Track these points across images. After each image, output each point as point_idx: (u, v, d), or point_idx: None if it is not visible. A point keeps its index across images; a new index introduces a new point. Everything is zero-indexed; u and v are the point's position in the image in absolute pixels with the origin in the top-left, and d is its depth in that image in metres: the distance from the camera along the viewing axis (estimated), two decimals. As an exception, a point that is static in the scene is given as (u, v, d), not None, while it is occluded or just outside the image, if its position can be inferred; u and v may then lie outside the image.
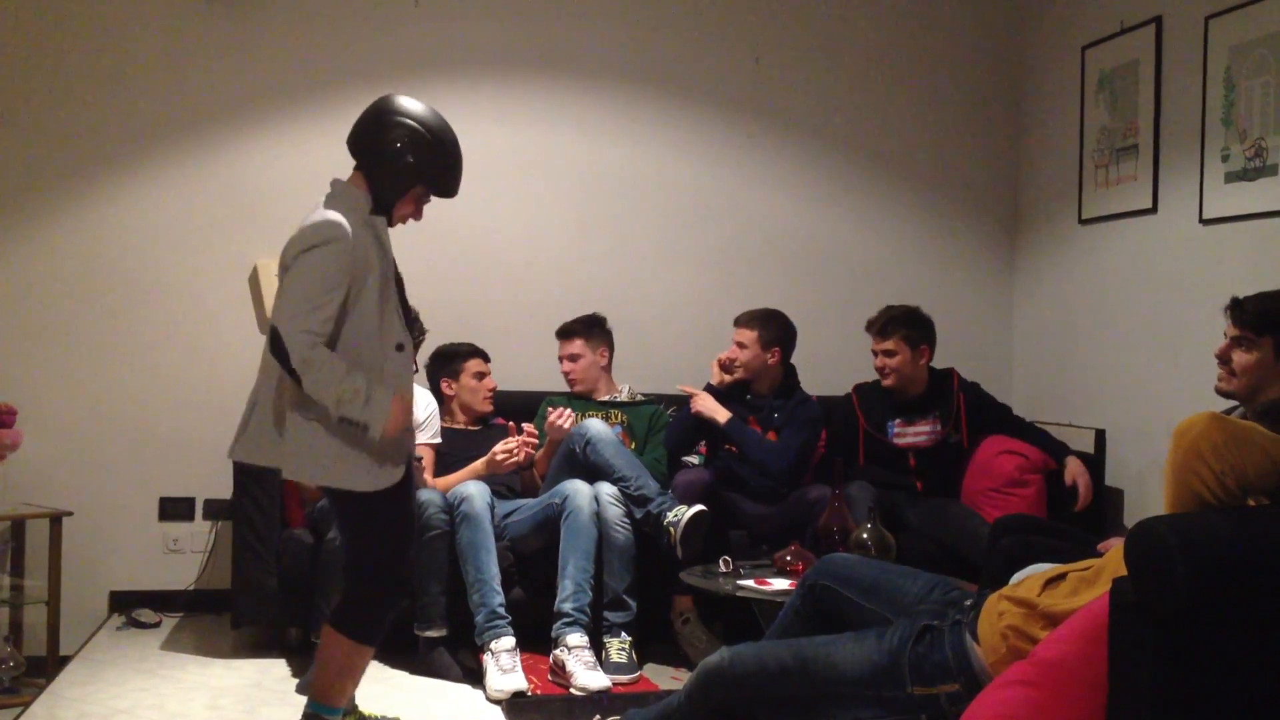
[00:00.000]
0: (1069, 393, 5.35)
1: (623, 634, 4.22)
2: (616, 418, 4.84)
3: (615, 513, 4.28)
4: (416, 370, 4.52)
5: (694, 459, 4.89)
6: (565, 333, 4.91)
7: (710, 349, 4.88)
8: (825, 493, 4.13)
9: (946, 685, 2.54)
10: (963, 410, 4.75)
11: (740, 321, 4.78)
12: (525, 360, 5.11)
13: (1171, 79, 4.75)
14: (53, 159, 4.89)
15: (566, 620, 4.12)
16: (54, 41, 4.88)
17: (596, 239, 5.40)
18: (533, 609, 4.29)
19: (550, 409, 4.69)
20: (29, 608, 4.61)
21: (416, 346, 4.51)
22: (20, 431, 4.54)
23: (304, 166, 4.88)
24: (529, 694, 3.93)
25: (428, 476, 4.45)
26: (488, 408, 4.79)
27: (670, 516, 4.14)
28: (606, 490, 4.32)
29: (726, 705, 2.81)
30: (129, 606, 4.86)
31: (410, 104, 3.19)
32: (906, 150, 5.72)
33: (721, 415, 4.64)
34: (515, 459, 4.45)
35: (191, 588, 4.96)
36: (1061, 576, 2.55)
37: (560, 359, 4.92)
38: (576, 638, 4.08)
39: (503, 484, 4.58)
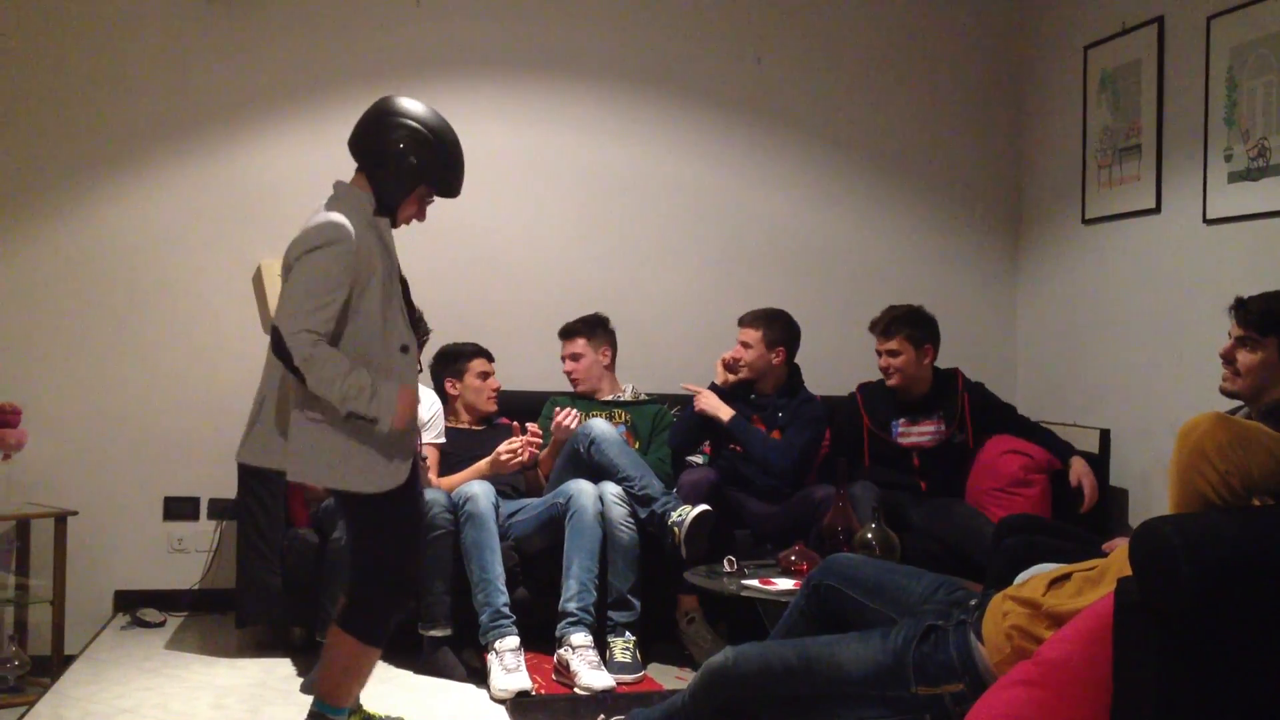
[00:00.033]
0: (1073, 393, 5.35)
1: (627, 633, 4.22)
2: (620, 417, 4.85)
3: (619, 512, 4.28)
4: (421, 370, 4.53)
5: (698, 458, 4.90)
6: (567, 332, 4.92)
7: (713, 348, 4.89)
8: (830, 492, 4.14)
9: (951, 685, 2.55)
10: (967, 410, 4.75)
11: (745, 321, 4.79)
12: (529, 360, 5.12)
13: (1174, 79, 4.75)
14: (55, 159, 4.89)
15: (571, 620, 4.12)
16: (55, 42, 4.88)
17: (599, 239, 5.41)
18: (537, 608, 4.29)
19: (556, 409, 4.70)
20: (34, 607, 4.61)
21: (421, 346, 4.53)
22: (25, 431, 4.55)
23: (306, 166, 4.90)
24: (533, 694, 3.93)
25: (432, 476, 4.46)
26: (492, 407, 4.80)
27: (674, 516, 4.14)
28: (611, 490, 4.32)
29: (731, 705, 2.82)
30: (134, 606, 4.86)
31: (411, 105, 3.20)
32: (909, 150, 5.72)
33: (725, 413, 4.65)
34: (519, 459, 4.46)
35: (196, 587, 4.96)
36: (1066, 576, 2.56)
37: (563, 359, 4.92)
38: (581, 637, 4.08)
39: (507, 484, 4.58)
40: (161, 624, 4.79)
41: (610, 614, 4.25)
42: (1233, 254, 4.43)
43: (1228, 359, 3.38)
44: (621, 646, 4.18)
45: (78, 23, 4.90)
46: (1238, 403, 3.43)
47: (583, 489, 4.29)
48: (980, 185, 5.80)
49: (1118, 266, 5.08)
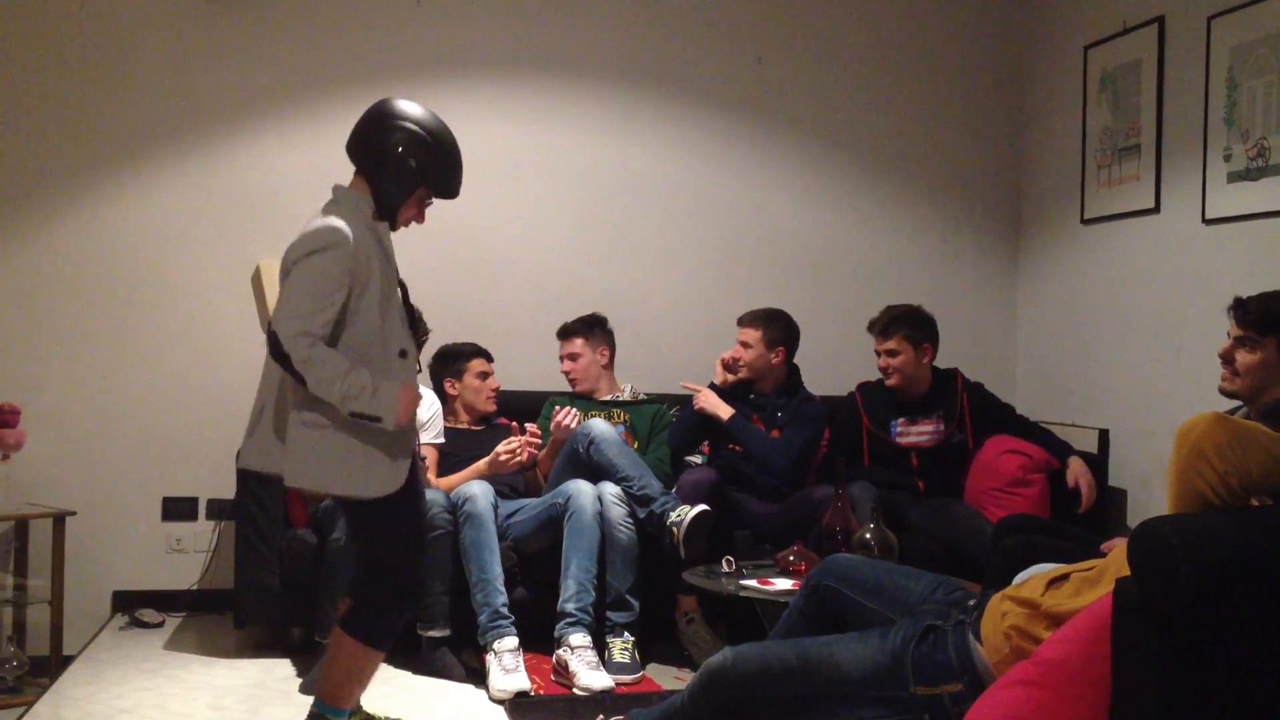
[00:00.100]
0: (1072, 393, 5.35)
1: (625, 634, 4.22)
2: (619, 417, 4.85)
3: (618, 512, 4.28)
4: (420, 370, 4.52)
5: (697, 458, 4.90)
6: (565, 332, 4.92)
7: (713, 348, 4.89)
8: (830, 492, 4.14)
9: (949, 685, 2.54)
10: (966, 410, 4.75)
11: (744, 321, 4.79)
12: (528, 360, 5.12)
13: (1174, 79, 4.75)
14: (56, 159, 4.89)
15: (569, 620, 4.12)
16: (56, 42, 4.88)
17: (599, 238, 5.40)
18: (536, 609, 4.29)
19: (555, 408, 4.70)
20: (32, 607, 4.61)
21: (420, 346, 4.53)
22: (24, 431, 4.55)
23: (307, 166, 4.90)
24: (532, 694, 3.93)
25: (431, 476, 4.45)
26: (491, 408, 4.80)
27: (673, 516, 4.14)
28: (610, 490, 4.32)
29: (730, 705, 2.81)
30: (132, 606, 4.86)
31: (408, 107, 3.19)
32: (908, 150, 5.72)
33: (724, 412, 4.65)
34: (518, 459, 4.46)
35: (194, 587, 4.96)
36: (1065, 577, 2.55)
37: (561, 359, 4.92)
38: (579, 638, 4.08)
39: (506, 484, 4.58)
40: (160, 624, 4.79)
41: (609, 614, 4.25)
42: (1232, 254, 4.42)
43: (1226, 359, 3.38)
44: (620, 647, 4.18)
45: (78, 22, 4.90)
46: (1236, 403, 3.43)
47: (581, 489, 4.29)
48: (980, 185, 5.79)
49: (1117, 266, 5.08)
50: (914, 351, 4.68)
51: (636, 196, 5.43)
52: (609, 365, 4.95)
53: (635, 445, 4.76)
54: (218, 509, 4.96)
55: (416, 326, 4.46)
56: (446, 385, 4.78)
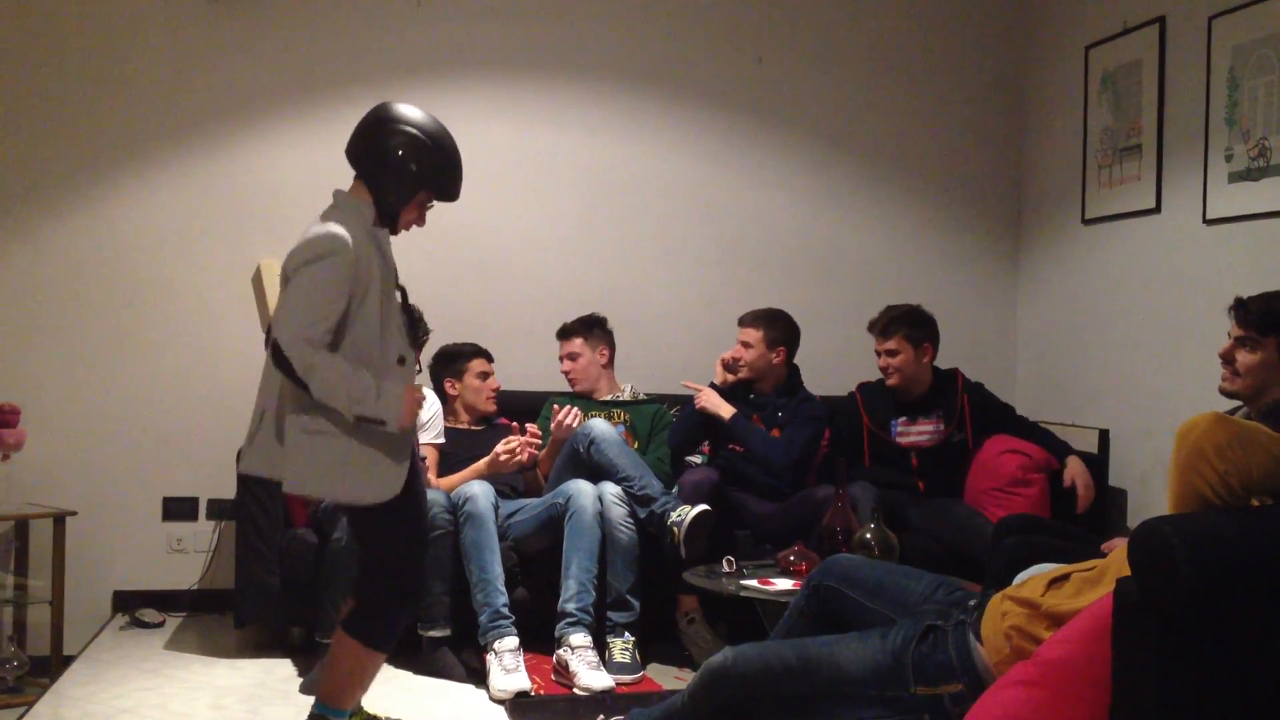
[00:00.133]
0: (1073, 393, 5.35)
1: (626, 634, 4.22)
2: (619, 417, 4.85)
3: (619, 512, 4.28)
4: (421, 370, 4.53)
5: (697, 458, 4.90)
6: (564, 333, 4.93)
7: (713, 348, 4.89)
8: (832, 492, 4.13)
9: (950, 685, 2.54)
10: (967, 410, 4.75)
11: (745, 321, 4.79)
12: (528, 360, 5.12)
13: (1175, 79, 4.75)
14: (56, 159, 4.89)
15: (570, 620, 4.12)
16: (57, 41, 4.88)
17: (599, 239, 5.40)
18: (536, 609, 4.29)
19: (556, 406, 4.70)
20: (33, 607, 4.61)
21: (421, 346, 4.53)
22: (24, 431, 4.55)
23: (308, 166, 4.90)
24: (532, 694, 3.93)
25: (431, 476, 4.45)
26: (491, 408, 4.80)
27: (674, 516, 4.14)
28: (610, 490, 4.32)
29: (730, 705, 2.81)
30: (133, 606, 4.86)
31: (408, 110, 3.19)
32: (909, 150, 5.72)
33: (726, 411, 4.65)
34: (518, 458, 4.45)
35: (195, 587, 4.96)
36: (1065, 577, 2.55)
37: (560, 359, 4.92)
38: (580, 638, 4.08)
39: (506, 484, 4.58)
40: (160, 624, 4.79)
41: (609, 614, 4.25)
42: (1232, 254, 4.42)
43: (1227, 359, 3.38)
44: (621, 647, 4.18)
45: (79, 23, 4.90)
46: (1237, 403, 3.43)
47: (582, 489, 4.29)
48: (981, 185, 5.79)
49: (1118, 266, 5.08)
50: (914, 351, 4.68)
51: (636, 196, 5.43)
52: (609, 365, 4.95)
53: (635, 445, 4.76)
54: (218, 509, 4.96)
55: (417, 327, 4.46)
56: (447, 385, 4.78)
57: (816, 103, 5.61)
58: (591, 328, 4.90)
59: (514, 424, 4.60)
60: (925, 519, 4.50)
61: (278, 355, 2.98)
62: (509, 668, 3.97)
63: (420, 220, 3.28)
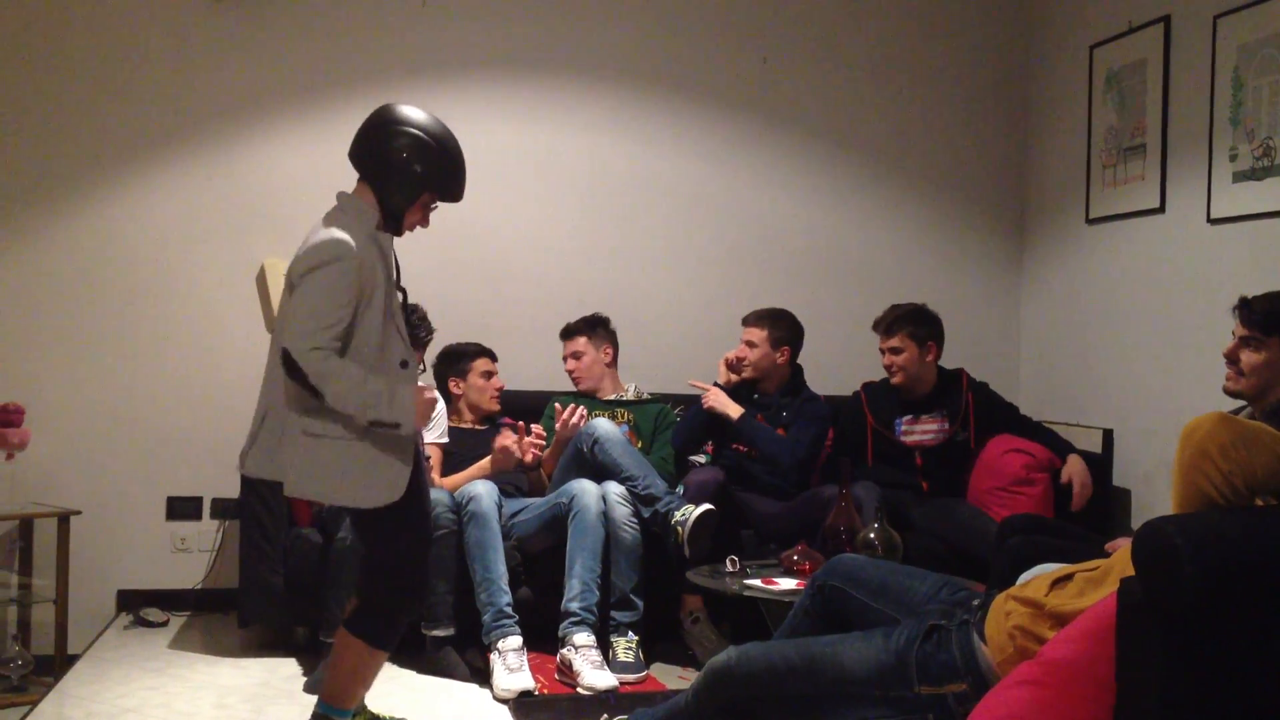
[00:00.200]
0: (1077, 392, 5.34)
1: (630, 633, 4.22)
2: (623, 416, 4.85)
3: (623, 512, 4.28)
4: (424, 370, 4.53)
5: (700, 458, 4.90)
6: (568, 332, 4.93)
7: (717, 348, 4.89)
8: (837, 492, 4.13)
9: (954, 685, 2.54)
10: (971, 410, 4.75)
11: (749, 321, 4.80)
12: (532, 360, 5.12)
13: (1179, 78, 4.74)
14: (60, 159, 4.90)
15: (573, 619, 4.12)
16: (60, 42, 4.89)
17: (604, 239, 5.40)
18: (540, 608, 4.29)
19: (558, 406, 4.70)
20: (37, 606, 4.62)
21: (425, 345, 4.53)
22: (28, 431, 4.56)
23: (312, 167, 4.91)
24: (536, 693, 3.93)
25: (435, 476, 4.45)
26: (495, 407, 4.80)
27: (678, 515, 4.14)
28: (614, 489, 4.32)
29: (734, 704, 2.81)
30: (137, 605, 4.87)
31: (411, 112, 3.19)
32: (913, 150, 5.72)
33: (734, 411, 4.65)
34: (516, 456, 4.45)
35: (199, 587, 4.97)
36: (1069, 576, 2.55)
37: (564, 358, 4.93)
38: (583, 637, 4.08)
39: (510, 483, 4.58)
40: (164, 623, 4.79)
41: (613, 614, 4.25)
42: (1237, 254, 4.42)
43: (1231, 359, 3.38)
44: (624, 646, 4.18)
45: (84, 22, 4.91)
46: (1241, 402, 3.43)
47: (586, 489, 4.29)
48: (985, 184, 5.79)
49: (1122, 266, 5.08)
50: (918, 350, 4.68)
51: (640, 196, 5.43)
52: (612, 365, 4.95)
53: (639, 445, 4.76)
54: (222, 508, 4.97)
55: (421, 327, 4.46)
56: (451, 385, 4.78)
57: (821, 102, 5.61)
58: (595, 327, 4.91)
59: (520, 424, 4.61)
60: (929, 519, 4.50)
61: (289, 364, 2.97)
62: (513, 667, 3.97)
63: (424, 221, 3.28)
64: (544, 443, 4.60)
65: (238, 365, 4.82)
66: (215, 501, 4.99)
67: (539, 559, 4.38)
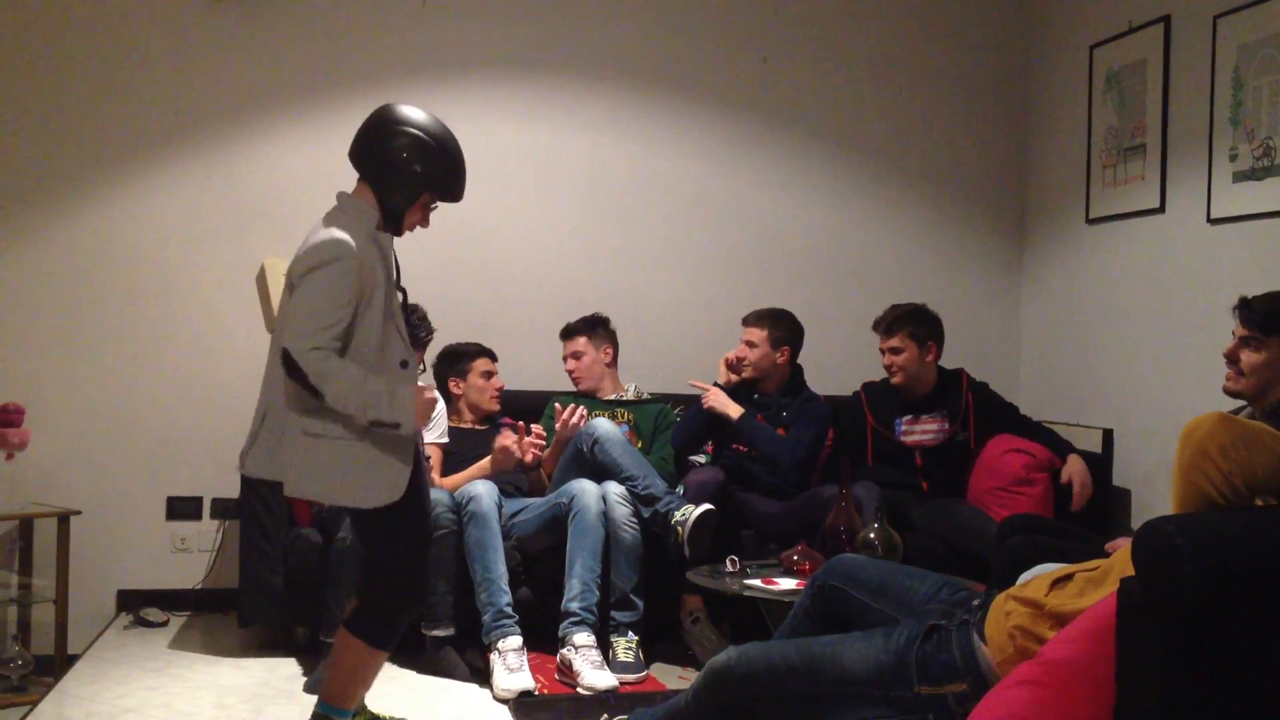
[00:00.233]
0: (1076, 392, 5.34)
1: (630, 633, 4.22)
2: (623, 416, 4.85)
3: (623, 512, 4.28)
4: (424, 370, 4.53)
5: (700, 458, 4.90)
6: (568, 332, 4.94)
7: (717, 348, 4.89)
8: (837, 492, 4.13)
9: (954, 685, 2.54)
10: (971, 410, 4.75)
11: (749, 321, 4.80)
12: (532, 360, 5.12)
13: (1179, 78, 4.74)
14: (60, 158, 4.90)
15: (573, 619, 4.12)
16: (61, 41, 4.89)
17: (604, 238, 5.40)
18: (540, 608, 4.29)
19: (558, 406, 4.70)
20: (37, 606, 4.61)
21: (425, 345, 4.53)
22: (28, 431, 4.56)
23: (312, 166, 4.91)
24: (536, 693, 3.93)
25: (435, 476, 4.45)
26: (495, 407, 4.80)
27: (678, 515, 4.14)
28: (614, 489, 4.32)
29: (734, 704, 2.81)
30: (137, 605, 4.87)
31: (411, 112, 3.19)
32: (913, 150, 5.72)
33: (734, 411, 4.65)
34: (517, 456, 4.45)
35: (199, 587, 4.97)
36: (1069, 576, 2.55)
37: (564, 358, 4.93)
38: (583, 637, 4.08)
39: (510, 483, 4.58)
40: (165, 623, 4.79)
41: (613, 614, 4.25)
42: (1237, 254, 4.42)
43: (1231, 359, 3.38)
44: (624, 646, 4.18)
45: (84, 22, 4.91)
46: (1241, 402, 3.43)
47: (586, 489, 4.29)
48: (984, 184, 5.79)
49: (1121, 266, 5.08)
50: (918, 349, 4.68)
51: (640, 196, 5.43)
52: (612, 364, 4.95)
53: (639, 445, 4.76)
54: (222, 508, 4.97)
55: (421, 327, 4.47)
56: (451, 385, 4.78)
57: (821, 102, 5.61)
58: (595, 327, 4.91)
59: (520, 424, 4.61)
60: (929, 519, 4.50)
61: (289, 364, 2.97)
62: (513, 667, 3.97)
63: (424, 221, 3.28)
64: (544, 443, 4.60)
65: (238, 365, 4.82)
66: (215, 501, 4.99)
67: (539, 559, 4.38)
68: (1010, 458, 4.60)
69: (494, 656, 4.03)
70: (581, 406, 4.66)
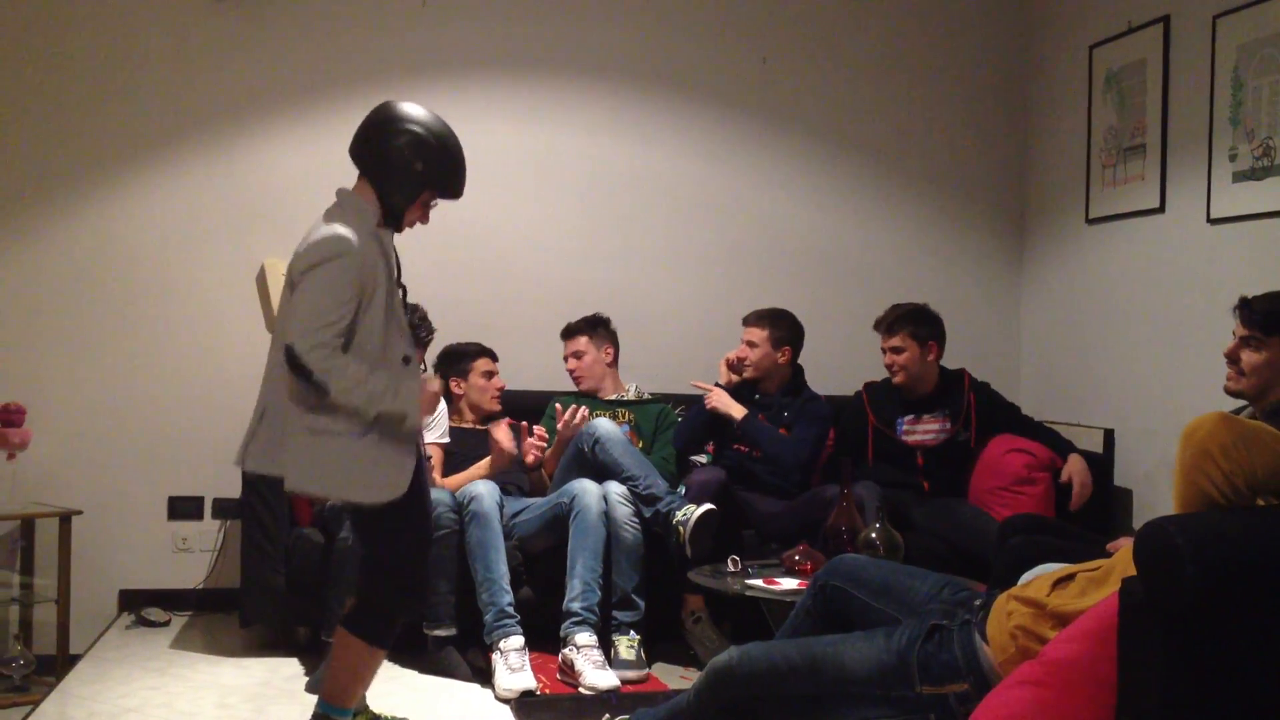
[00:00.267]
0: (1077, 392, 5.35)
1: (631, 633, 4.22)
2: (624, 416, 4.85)
3: (624, 512, 4.28)
4: (425, 369, 4.53)
5: (701, 458, 4.90)
6: (569, 332, 4.94)
7: (717, 348, 4.89)
8: (838, 492, 4.13)
9: (955, 685, 2.55)
10: (973, 410, 4.75)
11: (750, 321, 4.80)
12: (533, 359, 5.12)
13: (1179, 78, 4.74)
14: (61, 158, 4.90)
15: (575, 619, 4.12)
16: (61, 41, 4.89)
17: (604, 238, 5.41)
18: (541, 608, 4.30)
19: (559, 406, 4.70)
20: (39, 606, 4.62)
21: (425, 345, 4.53)
22: (30, 431, 4.56)
23: (312, 166, 4.90)
24: (538, 693, 3.94)
25: (436, 476, 4.46)
26: (496, 407, 4.80)
27: (679, 515, 4.14)
28: (615, 489, 4.32)
29: (735, 704, 2.82)
30: (138, 605, 4.87)
31: (412, 109, 3.19)
32: (914, 150, 5.72)
33: (737, 411, 4.66)
34: (510, 449, 4.45)
35: (200, 587, 4.97)
36: (1070, 576, 2.56)
37: (565, 358, 4.93)
38: (585, 637, 4.09)
39: (511, 483, 4.58)
40: (166, 623, 4.80)
41: (615, 613, 4.25)
42: (1237, 254, 4.42)
43: (1232, 359, 3.38)
44: (626, 646, 4.18)
45: (84, 22, 4.91)
46: (1242, 402, 3.43)
47: (587, 488, 4.29)
48: (984, 184, 5.79)
49: (1121, 266, 5.08)
50: (919, 349, 4.68)
51: (641, 196, 5.43)
52: (613, 364, 4.96)
53: (640, 445, 4.76)
54: (223, 508, 4.97)
55: (421, 326, 4.47)
56: (452, 384, 4.78)
57: (821, 102, 5.61)
58: (596, 327, 4.91)
59: (523, 424, 4.61)
60: (930, 519, 4.51)
61: (292, 361, 2.97)
62: (514, 667, 3.97)
63: (424, 219, 3.28)
64: (545, 443, 4.61)
65: (238, 365, 4.82)
66: (217, 501, 4.99)
67: (540, 559, 4.39)
68: (1011, 457, 4.60)
69: (496, 656, 4.03)
70: (583, 406, 4.66)
